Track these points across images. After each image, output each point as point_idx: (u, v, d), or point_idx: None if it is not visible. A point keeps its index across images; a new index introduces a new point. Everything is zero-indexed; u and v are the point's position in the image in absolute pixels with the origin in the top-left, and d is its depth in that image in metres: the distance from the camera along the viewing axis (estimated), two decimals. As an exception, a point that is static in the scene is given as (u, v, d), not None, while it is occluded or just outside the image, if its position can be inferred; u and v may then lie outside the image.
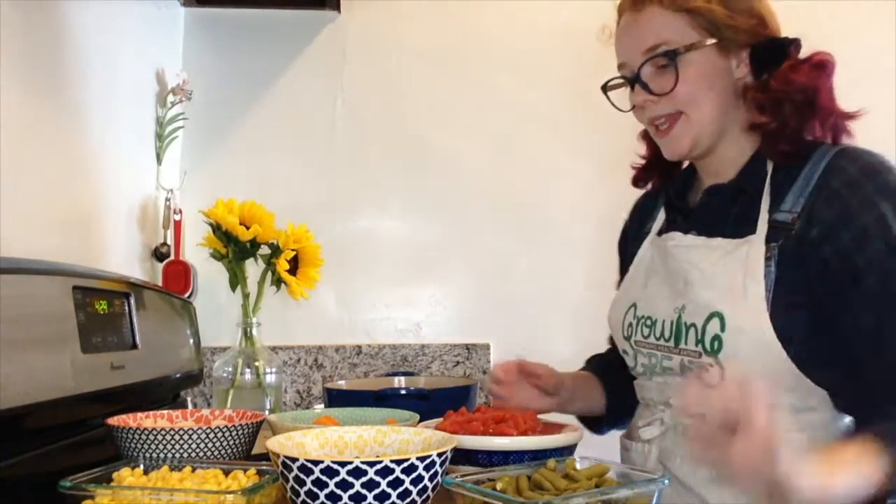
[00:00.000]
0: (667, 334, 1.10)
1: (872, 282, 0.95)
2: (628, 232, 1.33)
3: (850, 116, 1.07)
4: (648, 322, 1.14)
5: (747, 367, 0.96)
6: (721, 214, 1.10)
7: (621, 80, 1.14)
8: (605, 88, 1.16)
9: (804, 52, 1.08)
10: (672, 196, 1.20)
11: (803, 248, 1.00)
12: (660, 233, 1.21)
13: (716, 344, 1.02)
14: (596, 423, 1.32)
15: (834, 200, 0.99)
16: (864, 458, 0.85)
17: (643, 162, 1.27)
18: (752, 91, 1.07)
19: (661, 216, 1.24)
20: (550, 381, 1.21)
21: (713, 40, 1.06)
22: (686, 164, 1.22)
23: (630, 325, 1.18)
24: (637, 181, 1.30)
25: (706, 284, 1.06)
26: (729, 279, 1.04)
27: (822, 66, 1.05)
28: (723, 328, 1.02)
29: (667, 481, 0.80)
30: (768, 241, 1.02)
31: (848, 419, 1.02)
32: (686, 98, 1.07)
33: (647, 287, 1.18)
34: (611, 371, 1.29)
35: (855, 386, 0.98)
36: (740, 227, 1.07)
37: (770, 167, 1.08)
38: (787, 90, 1.04)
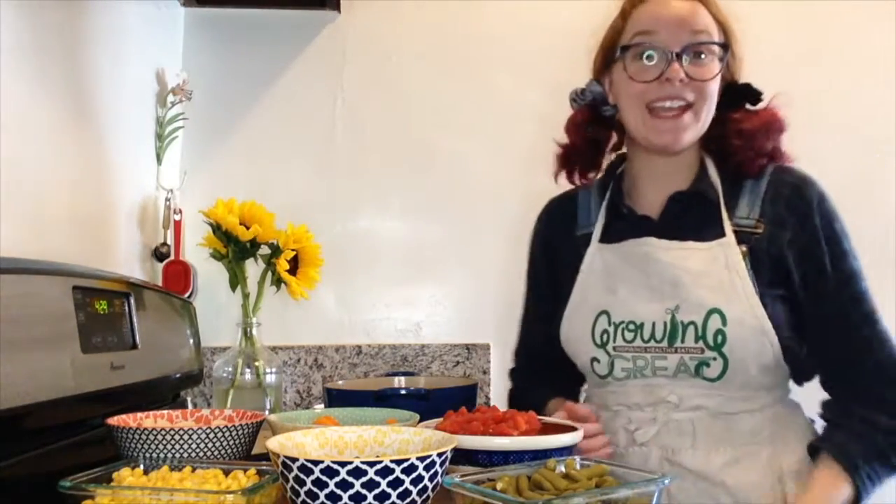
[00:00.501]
0: (658, 335, 1.14)
1: (829, 268, 1.12)
2: (551, 239, 1.35)
3: (789, 160, 1.21)
4: (632, 326, 1.16)
5: (748, 354, 1.10)
6: (680, 220, 1.19)
7: (644, 47, 1.14)
8: (624, 48, 1.17)
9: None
10: (619, 203, 1.25)
11: (776, 247, 1.13)
12: (607, 239, 1.24)
13: (719, 338, 1.10)
14: None
15: (791, 206, 1.14)
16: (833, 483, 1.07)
17: (562, 150, 1.30)
18: (718, 121, 1.18)
19: (599, 221, 1.26)
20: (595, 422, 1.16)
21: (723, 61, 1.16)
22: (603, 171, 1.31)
23: (605, 332, 1.19)
24: (566, 172, 1.31)
25: (698, 284, 1.12)
26: (716, 277, 1.12)
27: (775, 117, 1.18)
28: (724, 322, 1.10)
29: (667, 481, 0.80)
30: (738, 243, 1.14)
31: (793, 396, 1.21)
32: (709, 93, 1.14)
33: (617, 293, 1.19)
34: (568, 388, 1.30)
35: (822, 365, 1.16)
36: (704, 231, 1.17)
37: (718, 179, 1.19)
38: (739, 131, 1.16)
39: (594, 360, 1.20)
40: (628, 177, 1.27)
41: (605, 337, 1.19)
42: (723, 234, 1.15)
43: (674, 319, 1.12)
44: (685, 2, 1.15)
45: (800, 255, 1.13)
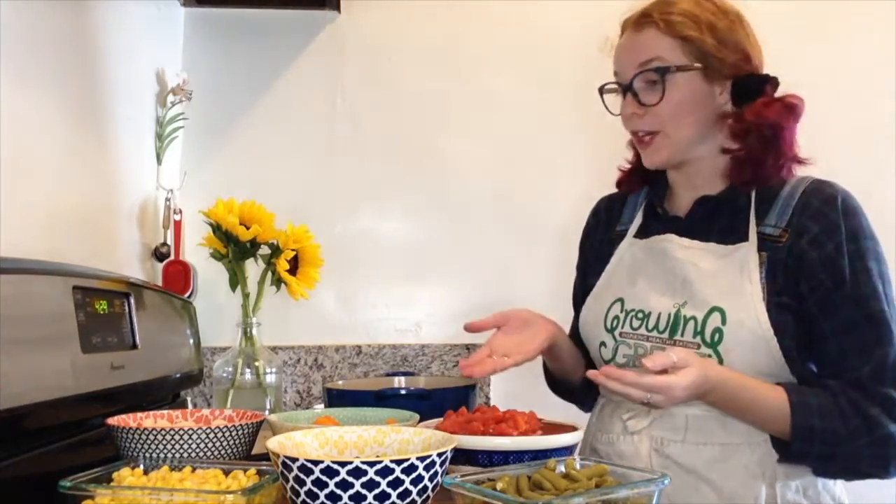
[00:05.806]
0: (661, 326, 1.18)
1: (848, 283, 1.10)
2: (592, 233, 1.41)
3: (800, 161, 1.19)
4: (640, 315, 1.21)
5: (744, 356, 1.11)
6: (708, 222, 1.22)
7: (615, 87, 1.24)
8: (602, 91, 1.25)
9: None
10: (656, 203, 1.29)
11: (794, 258, 1.13)
12: (641, 235, 1.29)
13: (716, 336, 1.12)
14: (580, 394, 1.37)
15: (819, 216, 1.13)
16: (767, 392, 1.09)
17: (628, 167, 1.36)
18: (728, 119, 1.19)
19: (637, 220, 1.32)
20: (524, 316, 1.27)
21: (699, 65, 1.16)
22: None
23: (616, 317, 1.24)
24: (621, 184, 1.38)
25: (706, 282, 1.16)
26: (727, 279, 1.15)
27: (791, 108, 1.17)
28: (724, 321, 1.12)
29: (667, 481, 0.80)
30: (759, 250, 1.15)
31: None
32: (668, 116, 1.18)
33: (636, 284, 1.24)
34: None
35: (823, 374, 1.14)
36: (729, 235, 1.19)
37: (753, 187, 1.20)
38: (757, 123, 1.15)
39: (602, 344, 1.25)
40: (666, 181, 1.32)
41: (615, 322, 1.23)
42: (745, 239, 1.16)
43: (678, 313, 1.16)
44: (637, 33, 1.19)
45: (820, 264, 1.11)
